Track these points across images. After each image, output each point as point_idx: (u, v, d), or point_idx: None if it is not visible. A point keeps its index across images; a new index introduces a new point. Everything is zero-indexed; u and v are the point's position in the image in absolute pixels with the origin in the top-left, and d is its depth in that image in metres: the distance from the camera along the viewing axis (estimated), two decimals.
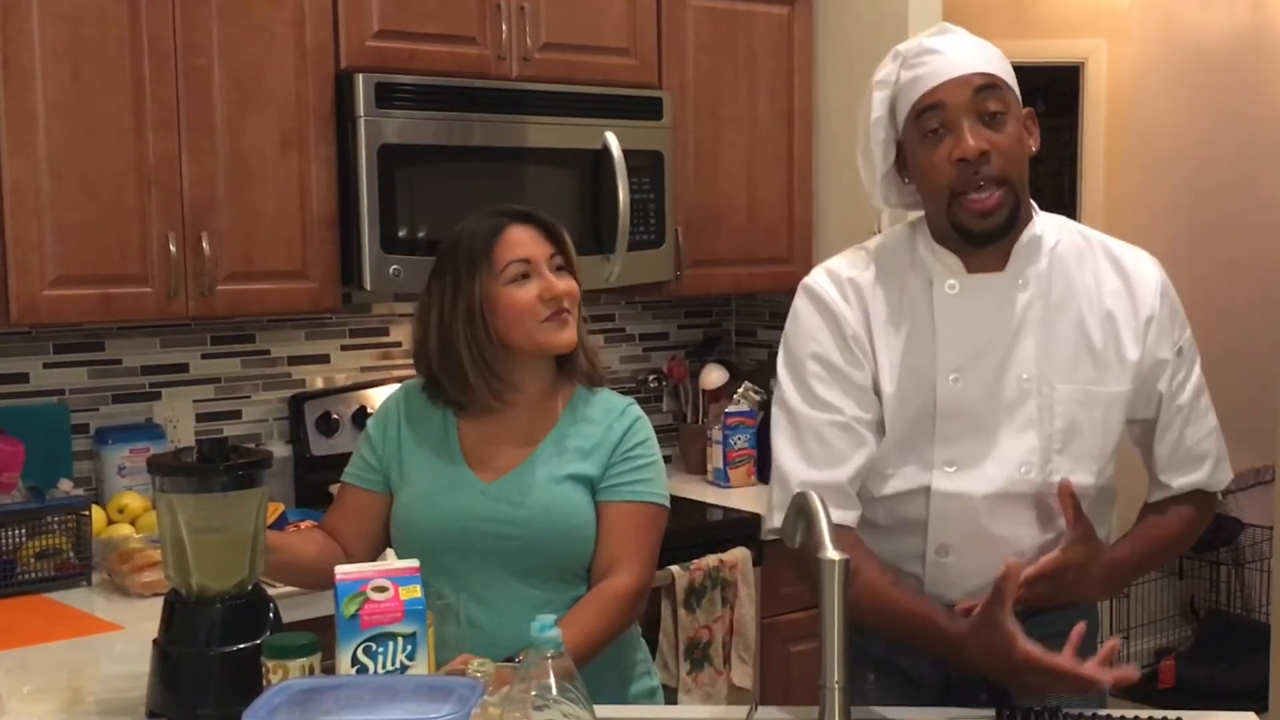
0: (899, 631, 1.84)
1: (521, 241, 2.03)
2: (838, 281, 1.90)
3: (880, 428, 1.87)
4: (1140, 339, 1.86)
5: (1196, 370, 1.93)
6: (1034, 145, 1.86)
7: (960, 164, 1.78)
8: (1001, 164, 1.78)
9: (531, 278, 2.02)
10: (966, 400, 1.84)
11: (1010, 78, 1.84)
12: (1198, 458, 1.94)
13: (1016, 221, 1.82)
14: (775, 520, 1.86)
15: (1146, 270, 1.90)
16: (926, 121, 1.81)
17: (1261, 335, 4.56)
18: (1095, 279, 1.88)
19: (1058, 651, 1.73)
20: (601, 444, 2.06)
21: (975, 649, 1.73)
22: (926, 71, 1.81)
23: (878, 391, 1.86)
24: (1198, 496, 1.97)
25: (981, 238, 1.81)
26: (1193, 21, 5.11)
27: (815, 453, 1.85)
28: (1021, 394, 1.83)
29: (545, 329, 2.03)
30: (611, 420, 2.08)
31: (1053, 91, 5.62)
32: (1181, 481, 1.95)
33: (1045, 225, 1.90)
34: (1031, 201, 1.89)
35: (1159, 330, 1.87)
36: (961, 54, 1.81)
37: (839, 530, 1.68)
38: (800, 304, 1.92)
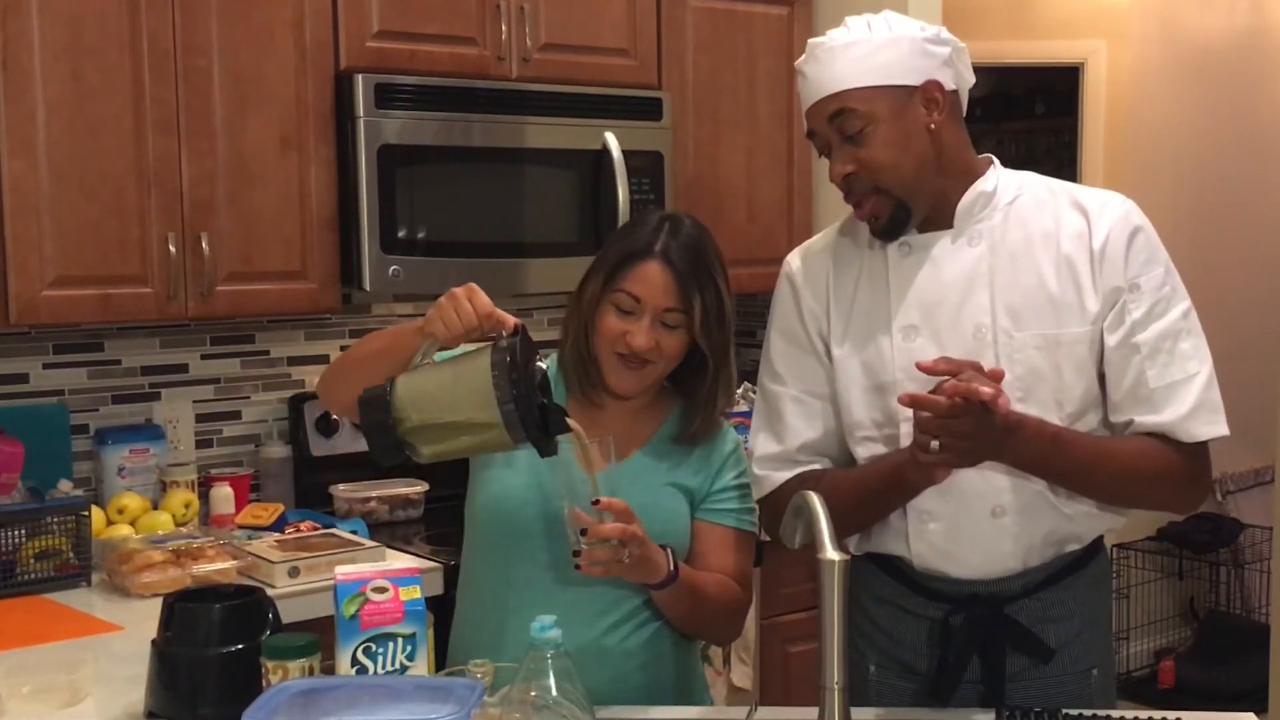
0: (872, 494, 1.87)
1: (647, 280, 1.95)
2: (805, 256, 2.02)
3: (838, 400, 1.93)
4: (1096, 272, 1.83)
5: (1172, 314, 1.83)
6: (934, 121, 1.83)
7: (838, 183, 1.88)
8: (869, 178, 1.84)
9: (632, 315, 1.96)
10: (924, 359, 1.83)
11: (874, 74, 1.81)
12: (1161, 399, 1.81)
13: (908, 217, 1.85)
14: (756, 491, 2.03)
15: (1110, 207, 1.86)
16: (814, 143, 1.91)
17: (1261, 335, 4.56)
18: (1056, 224, 1.86)
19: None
20: (706, 459, 2.05)
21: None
22: (803, 96, 1.90)
23: (832, 360, 1.93)
24: (1167, 440, 1.82)
25: (881, 235, 1.89)
26: (1192, 22, 5.12)
27: (770, 425, 1.99)
28: (979, 345, 1.83)
29: (613, 365, 1.98)
30: (714, 436, 2.08)
31: (1053, 92, 5.64)
32: (1142, 419, 1.82)
33: (1003, 181, 1.90)
34: (990, 156, 1.93)
35: (1111, 259, 1.82)
36: (818, 77, 1.85)
37: (789, 482, 1.92)
38: (778, 282, 2.04)
